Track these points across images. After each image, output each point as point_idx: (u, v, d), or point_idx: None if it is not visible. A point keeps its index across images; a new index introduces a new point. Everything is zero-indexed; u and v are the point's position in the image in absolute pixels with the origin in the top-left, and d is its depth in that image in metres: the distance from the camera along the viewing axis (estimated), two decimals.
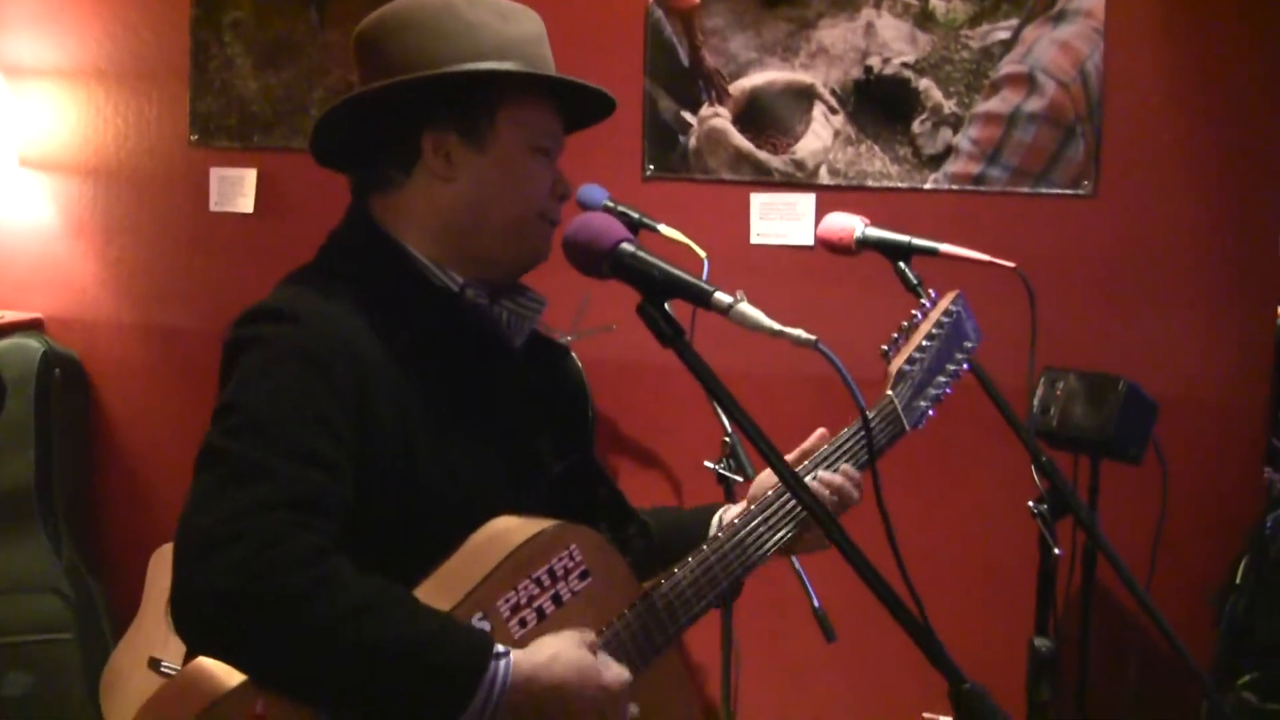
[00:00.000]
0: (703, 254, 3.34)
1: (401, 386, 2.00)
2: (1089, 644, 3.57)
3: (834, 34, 4.17)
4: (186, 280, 4.89)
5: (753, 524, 2.25)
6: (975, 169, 4.07)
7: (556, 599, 2.01)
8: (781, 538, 2.28)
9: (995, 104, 4.05)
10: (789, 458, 2.33)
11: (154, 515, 4.79)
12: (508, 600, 1.96)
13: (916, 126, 4.12)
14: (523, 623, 1.97)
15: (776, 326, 1.81)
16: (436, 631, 1.82)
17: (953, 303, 2.53)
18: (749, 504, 2.30)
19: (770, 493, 2.29)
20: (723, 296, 1.86)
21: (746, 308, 1.83)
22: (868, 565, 1.74)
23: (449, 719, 1.80)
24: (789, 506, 2.28)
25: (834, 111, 4.19)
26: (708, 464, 3.41)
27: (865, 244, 2.68)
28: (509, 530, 2.02)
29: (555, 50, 2.20)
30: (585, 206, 3.28)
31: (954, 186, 4.09)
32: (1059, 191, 4.02)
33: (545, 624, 1.99)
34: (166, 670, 4.35)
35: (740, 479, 3.31)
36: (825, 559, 3.17)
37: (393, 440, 1.97)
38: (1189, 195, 3.95)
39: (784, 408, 3.67)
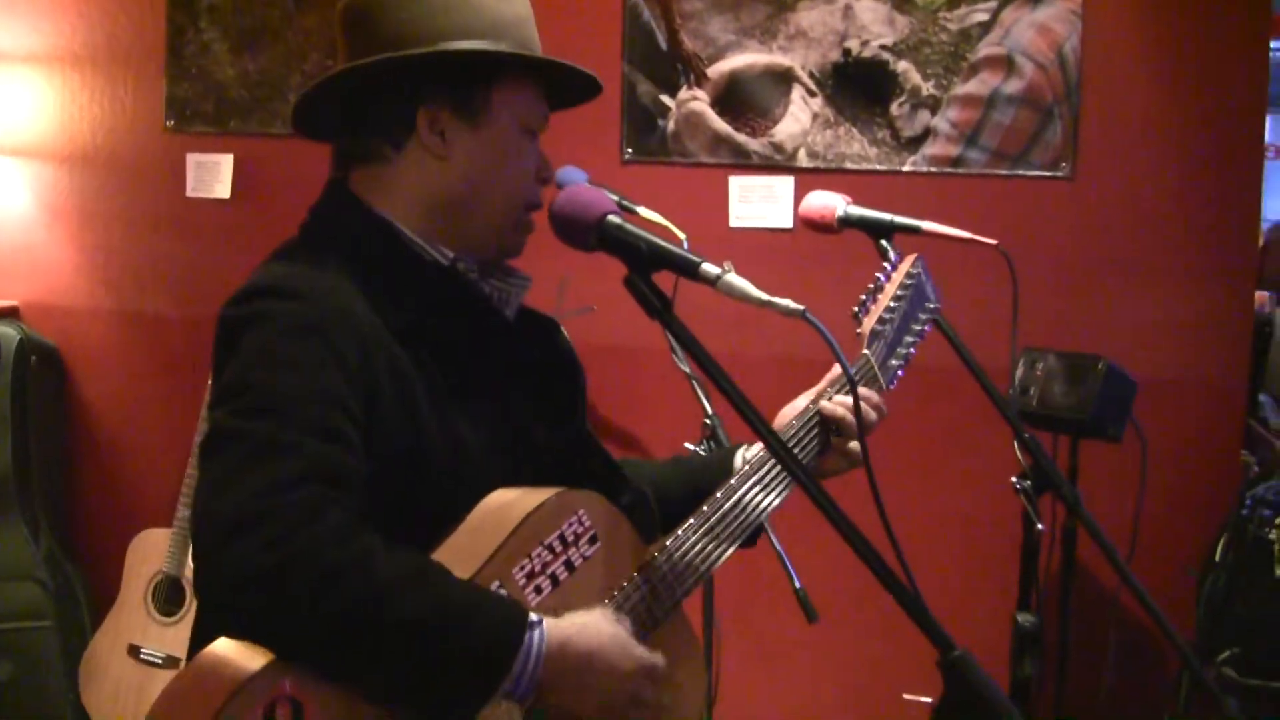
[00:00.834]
0: (682, 236, 3.34)
1: (402, 360, 1.99)
2: (1070, 620, 3.58)
3: (812, 17, 4.17)
4: (163, 266, 4.87)
5: (748, 484, 2.26)
6: (954, 151, 4.08)
7: (569, 565, 2.03)
8: (775, 499, 2.29)
9: (974, 86, 4.05)
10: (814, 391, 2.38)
11: (132, 503, 4.78)
12: (522, 568, 1.97)
13: (895, 109, 4.13)
14: (538, 589, 1.98)
15: (764, 296, 1.82)
16: (473, 604, 1.82)
17: (913, 265, 2.54)
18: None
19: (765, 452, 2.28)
20: (710, 267, 1.86)
21: (734, 278, 1.84)
22: (856, 532, 1.75)
23: (488, 689, 1.80)
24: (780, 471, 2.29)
25: (812, 94, 4.20)
26: (688, 446, 3.42)
27: (848, 222, 2.69)
28: (513, 501, 2.02)
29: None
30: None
31: (933, 169, 4.10)
32: (1037, 173, 4.03)
33: (560, 590, 2.01)
34: (146, 657, 4.35)
35: None
36: (805, 541, 3.20)
37: (397, 413, 1.95)
38: (1167, 177, 3.96)
39: (760, 391, 3.67)
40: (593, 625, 1.93)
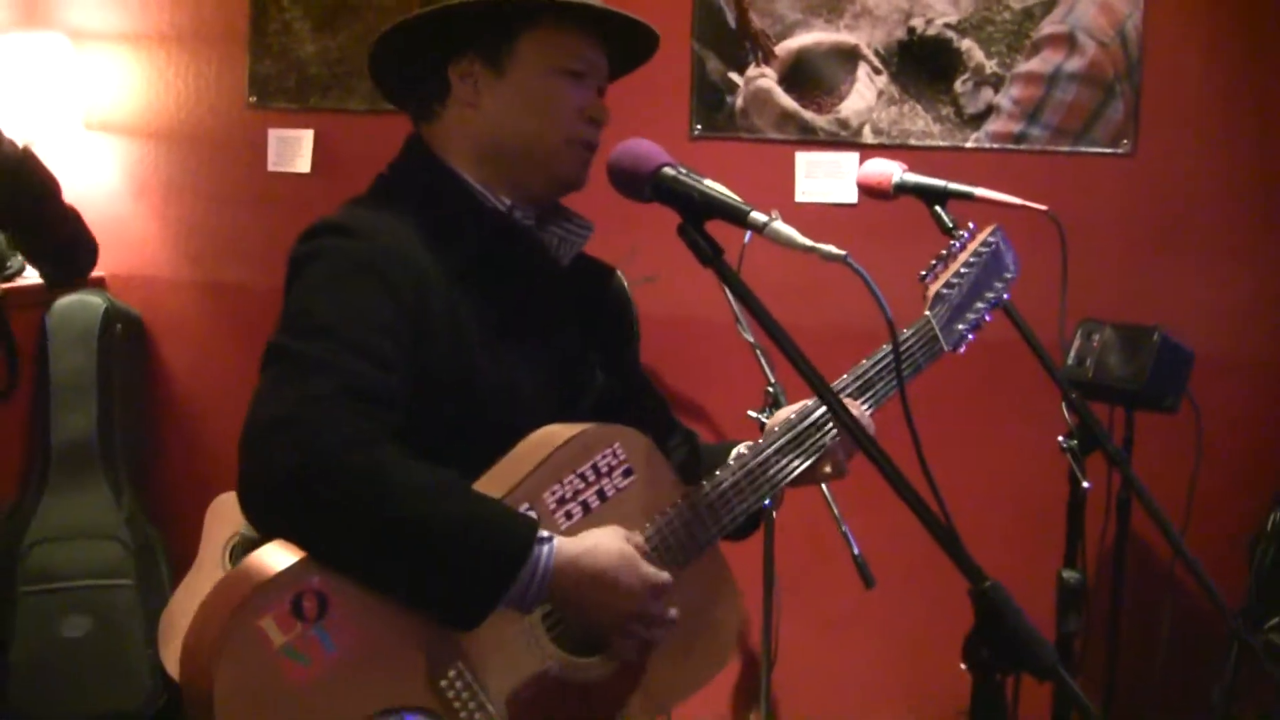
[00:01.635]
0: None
1: (455, 298, 2.10)
2: (1124, 589, 3.63)
3: None
4: (244, 239, 4.98)
5: (796, 428, 2.30)
6: (1016, 128, 4.13)
7: (601, 494, 2.11)
8: (819, 446, 2.31)
9: (1036, 64, 4.10)
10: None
11: (211, 467, 4.88)
12: (553, 493, 2.07)
13: (958, 86, 4.18)
14: (569, 515, 2.08)
15: (808, 242, 1.88)
16: (485, 514, 1.93)
17: (990, 234, 2.59)
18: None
19: (811, 402, 2.33)
20: (758, 215, 1.92)
21: (780, 225, 1.90)
22: (894, 469, 1.80)
23: (493, 597, 1.90)
24: (826, 423, 2.32)
25: (877, 72, 4.26)
26: (751, 413, 3.49)
27: (903, 189, 2.74)
28: (553, 433, 2.12)
29: None
30: None
31: (995, 145, 4.15)
32: (1098, 150, 4.07)
33: (590, 518, 2.10)
34: None
35: None
36: (863, 511, 3.27)
37: (448, 348, 2.06)
38: (1226, 153, 3.99)
39: (815, 361, 3.73)
40: (603, 545, 2.01)
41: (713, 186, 2.01)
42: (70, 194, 3.94)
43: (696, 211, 2.00)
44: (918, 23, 4.20)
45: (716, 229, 2.00)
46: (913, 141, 4.21)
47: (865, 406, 2.36)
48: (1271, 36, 3.93)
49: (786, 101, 4.35)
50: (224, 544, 4.54)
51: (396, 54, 2.27)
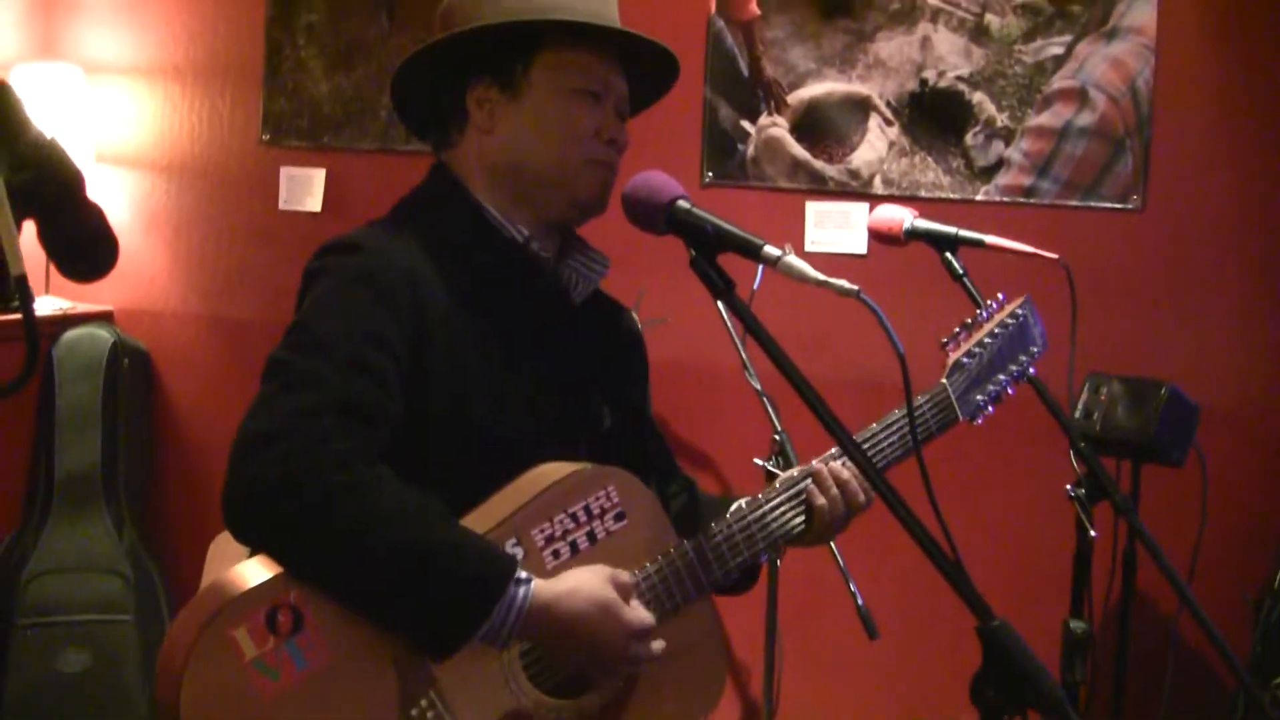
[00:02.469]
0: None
1: (459, 324, 2.10)
2: (1129, 641, 3.61)
3: (891, 47, 4.26)
4: (253, 276, 5.00)
5: (797, 485, 2.29)
6: (1026, 181, 4.15)
7: (591, 536, 2.10)
8: (800, 520, 2.29)
9: (1047, 118, 4.12)
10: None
11: (214, 503, 4.66)
12: (542, 531, 2.06)
13: (969, 139, 4.20)
14: (556, 554, 2.07)
15: (820, 277, 1.89)
16: (463, 546, 1.92)
17: (1020, 306, 2.57)
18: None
19: (816, 463, 2.32)
20: (771, 249, 1.93)
21: (793, 259, 1.91)
22: (903, 505, 1.79)
23: (464, 631, 1.90)
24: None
25: (889, 123, 4.28)
26: (757, 461, 3.48)
27: (914, 234, 2.74)
28: (549, 470, 2.11)
29: None
30: None
31: (1005, 198, 4.17)
32: (1108, 205, 4.08)
33: (578, 558, 2.08)
34: None
35: None
36: (867, 557, 3.25)
37: (447, 372, 2.06)
38: (1236, 209, 4.00)
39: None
40: (584, 589, 2.00)
41: (726, 222, 2.01)
42: None
43: (710, 244, 2.00)
44: (930, 75, 4.23)
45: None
46: (923, 193, 4.23)
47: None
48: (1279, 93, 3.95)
49: (798, 151, 4.37)
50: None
51: (415, 84, 2.28)
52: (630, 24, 2.28)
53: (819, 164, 4.35)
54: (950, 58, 4.21)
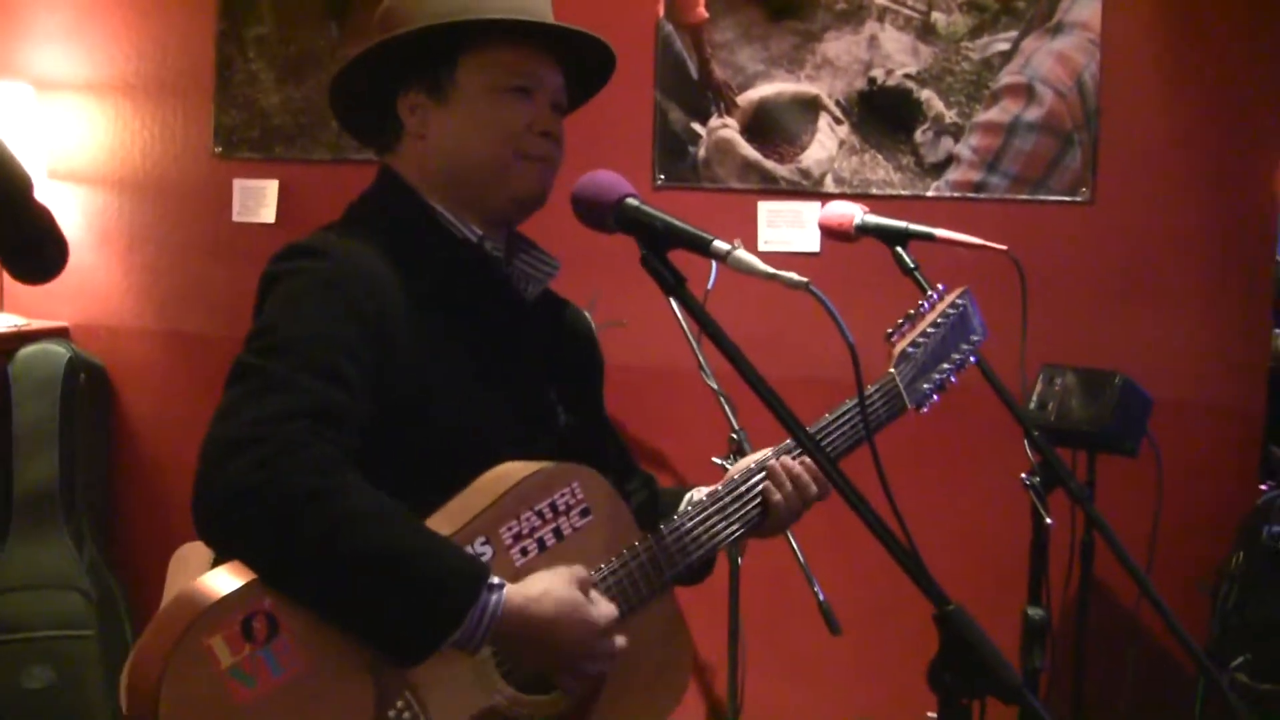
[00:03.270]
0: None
1: (420, 325, 2.10)
2: (1087, 622, 3.64)
3: (839, 46, 4.29)
4: (209, 289, 4.99)
5: (752, 480, 2.31)
6: (976, 177, 4.18)
7: (557, 533, 2.11)
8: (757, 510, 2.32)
9: (995, 114, 4.15)
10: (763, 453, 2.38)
11: (174, 517, 4.86)
12: (510, 529, 2.07)
13: (919, 136, 4.23)
14: (524, 551, 2.08)
15: (770, 270, 1.90)
16: (436, 551, 1.92)
17: (959, 297, 2.60)
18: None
19: (771, 451, 2.35)
20: (721, 244, 1.94)
21: (742, 253, 1.92)
22: (858, 495, 1.80)
23: (436, 638, 1.90)
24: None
25: (839, 122, 4.30)
26: (716, 460, 3.50)
27: (865, 230, 2.75)
28: (513, 469, 2.12)
29: None
30: None
31: (955, 194, 4.20)
32: (1057, 198, 4.11)
33: (545, 555, 2.09)
34: None
35: None
36: (829, 555, 3.27)
37: (409, 373, 2.07)
38: (1185, 201, 4.03)
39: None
40: (552, 593, 2.01)
41: (675, 219, 2.02)
42: None
43: (659, 241, 2.01)
44: (878, 73, 4.25)
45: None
46: (874, 190, 4.25)
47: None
48: (1227, 86, 3.98)
49: (749, 151, 4.39)
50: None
51: (350, 96, 2.30)
52: None
53: (770, 164, 4.37)
54: (898, 56, 4.24)
